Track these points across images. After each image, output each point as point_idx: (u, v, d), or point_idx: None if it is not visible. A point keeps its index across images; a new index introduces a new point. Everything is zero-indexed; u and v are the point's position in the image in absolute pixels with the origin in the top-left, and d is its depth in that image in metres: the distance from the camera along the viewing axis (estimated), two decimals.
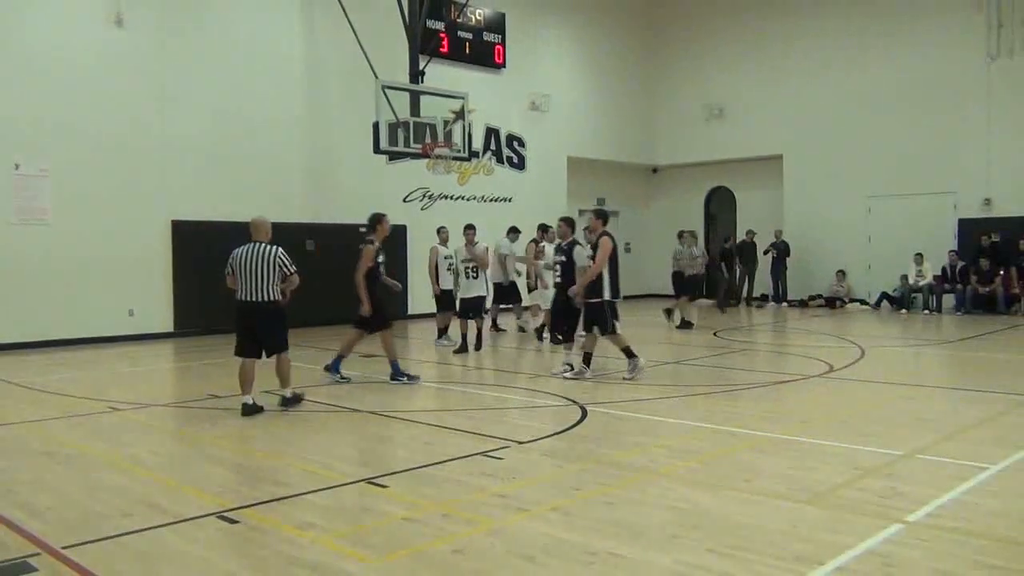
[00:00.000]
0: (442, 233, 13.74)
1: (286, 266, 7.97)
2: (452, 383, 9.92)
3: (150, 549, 4.37)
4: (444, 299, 13.34)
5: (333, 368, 9.71)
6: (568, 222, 10.40)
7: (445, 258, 13.34)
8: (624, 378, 9.52)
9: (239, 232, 15.90)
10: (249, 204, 15.56)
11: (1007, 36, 18.32)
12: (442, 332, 13.46)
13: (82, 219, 13.89)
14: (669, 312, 16.24)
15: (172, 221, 14.89)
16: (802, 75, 21.32)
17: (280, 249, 8.02)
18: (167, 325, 14.85)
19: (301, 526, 4.66)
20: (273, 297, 7.95)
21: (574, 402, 8.25)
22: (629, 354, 9.63)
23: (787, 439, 6.60)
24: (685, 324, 15.58)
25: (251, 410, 7.89)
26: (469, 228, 12.82)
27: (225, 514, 4.85)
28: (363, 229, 9.95)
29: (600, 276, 9.44)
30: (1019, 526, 4.47)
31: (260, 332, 8.03)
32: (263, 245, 8.00)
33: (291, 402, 8.19)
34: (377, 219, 9.65)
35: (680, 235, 16.72)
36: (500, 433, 6.98)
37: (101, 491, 5.45)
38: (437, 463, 6.03)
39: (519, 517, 4.75)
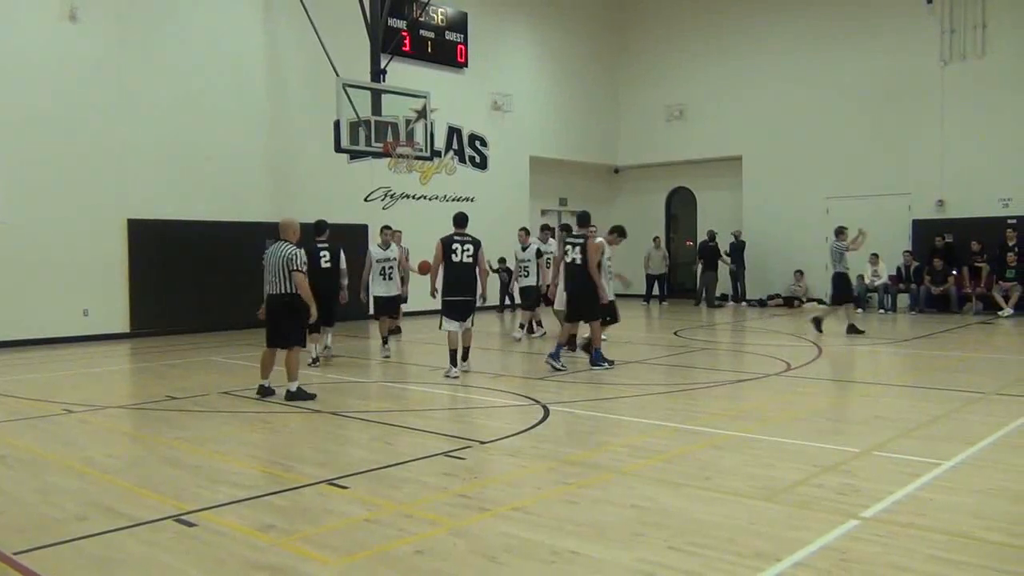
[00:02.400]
0: (384, 234, 12.42)
1: (292, 262, 8.40)
2: (414, 383, 9.88)
3: (106, 553, 4.29)
4: (375, 303, 12.46)
5: (555, 356, 10.32)
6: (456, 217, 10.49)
7: (377, 261, 12.15)
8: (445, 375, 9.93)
9: (196, 231, 15.74)
10: (207, 203, 15.41)
11: (959, 41, 18.74)
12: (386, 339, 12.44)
13: (35, 217, 13.60)
14: (819, 322, 14.26)
15: (128, 220, 14.63)
16: (762, 77, 21.60)
17: (295, 250, 8.48)
18: (123, 326, 14.58)
19: (261, 528, 4.61)
20: (288, 290, 8.42)
21: (536, 401, 8.26)
22: (452, 359, 9.97)
23: (746, 437, 6.68)
24: (854, 330, 13.99)
25: (265, 392, 8.68)
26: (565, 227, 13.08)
27: (183, 517, 4.78)
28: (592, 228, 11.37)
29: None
30: (971, 520, 4.57)
31: (277, 323, 8.59)
32: (285, 244, 8.52)
33: (296, 396, 8.47)
34: (588, 217, 11.45)
35: (840, 231, 14.56)
36: (462, 433, 6.97)
37: (55, 495, 5.35)
38: (398, 463, 6.00)
39: (481, 517, 4.75)
